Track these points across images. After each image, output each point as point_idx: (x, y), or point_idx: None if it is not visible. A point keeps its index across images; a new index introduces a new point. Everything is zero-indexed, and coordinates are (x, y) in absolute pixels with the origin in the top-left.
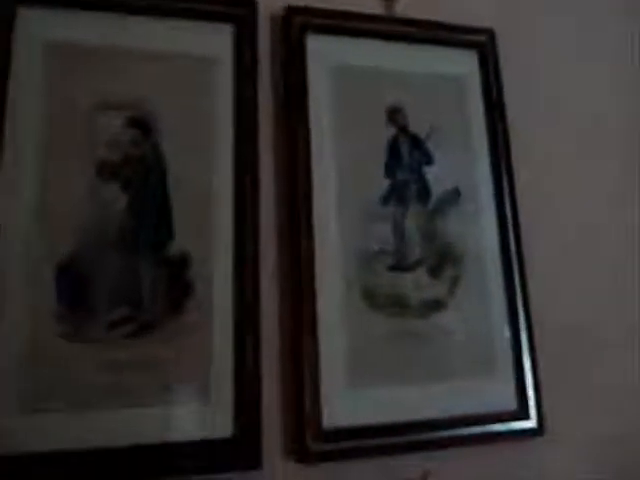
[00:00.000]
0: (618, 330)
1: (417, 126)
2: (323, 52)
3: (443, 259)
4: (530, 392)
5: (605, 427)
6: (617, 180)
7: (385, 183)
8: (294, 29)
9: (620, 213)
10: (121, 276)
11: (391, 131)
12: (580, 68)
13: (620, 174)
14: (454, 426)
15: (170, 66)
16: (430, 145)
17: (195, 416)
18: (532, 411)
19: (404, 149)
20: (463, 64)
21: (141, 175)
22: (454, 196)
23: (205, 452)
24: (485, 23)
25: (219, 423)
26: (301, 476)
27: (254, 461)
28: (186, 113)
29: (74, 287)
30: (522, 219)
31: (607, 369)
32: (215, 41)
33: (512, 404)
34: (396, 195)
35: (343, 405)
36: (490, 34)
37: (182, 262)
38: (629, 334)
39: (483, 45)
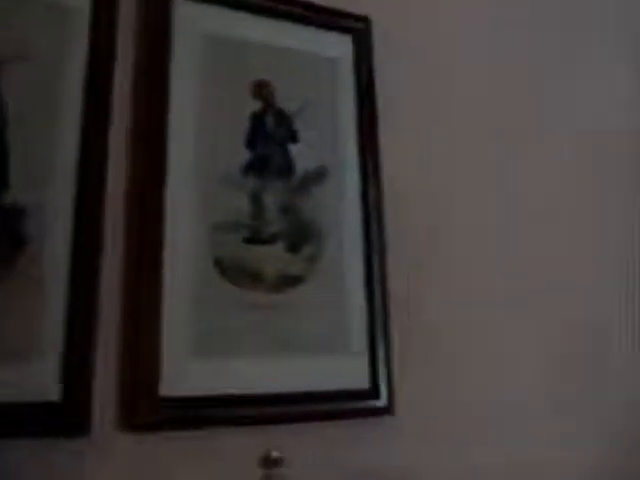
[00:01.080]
0: (470, 309)
1: (285, 102)
2: (191, 19)
3: (303, 235)
4: (382, 371)
5: (456, 409)
6: (485, 163)
7: (246, 155)
8: None
9: (484, 196)
10: None
11: (257, 105)
12: (454, 56)
13: (491, 159)
14: (301, 401)
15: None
16: (297, 122)
17: (22, 378)
18: (383, 390)
19: (269, 124)
20: (337, 47)
21: None
22: (318, 174)
23: (30, 416)
24: (363, 10)
25: (46, 387)
26: (131, 445)
27: (81, 427)
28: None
29: None
30: (387, 201)
31: (461, 352)
32: None
33: (364, 382)
34: (257, 168)
35: (184, 374)
36: (366, 21)
37: (16, 213)
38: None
39: (358, 31)
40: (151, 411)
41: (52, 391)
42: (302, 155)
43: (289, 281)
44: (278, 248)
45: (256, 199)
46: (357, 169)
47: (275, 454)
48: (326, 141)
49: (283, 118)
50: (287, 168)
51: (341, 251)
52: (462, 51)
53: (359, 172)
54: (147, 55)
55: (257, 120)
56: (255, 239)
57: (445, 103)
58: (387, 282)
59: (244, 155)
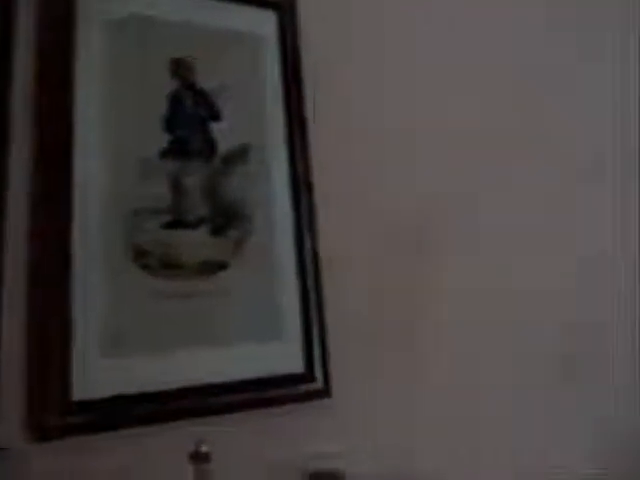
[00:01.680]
0: (412, 289)
1: (205, 81)
2: None
3: (228, 218)
4: (317, 354)
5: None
6: (415, 147)
7: (164, 138)
8: None
9: (412, 177)
10: None
11: (174, 84)
12: (388, 32)
13: (419, 138)
14: (232, 391)
15: None
16: (219, 101)
17: None
18: (318, 373)
19: (188, 103)
20: (261, 24)
21: None
22: (242, 154)
23: None
24: None
25: None
26: (45, 455)
27: None
28: None
29: None
30: (317, 180)
31: (397, 329)
32: None
33: (298, 366)
34: (176, 150)
35: (100, 374)
36: None
37: None
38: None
39: (283, 7)
40: (64, 417)
41: None
42: (224, 134)
43: (213, 267)
44: (201, 233)
45: (176, 183)
46: (285, 148)
47: (204, 448)
48: (251, 119)
49: (203, 97)
50: (208, 148)
51: (270, 233)
52: (396, 26)
53: (287, 151)
54: (50, 39)
55: (175, 100)
56: (176, 224)
57: (375, 80)
58: (320, 263)
59: (162, 138)
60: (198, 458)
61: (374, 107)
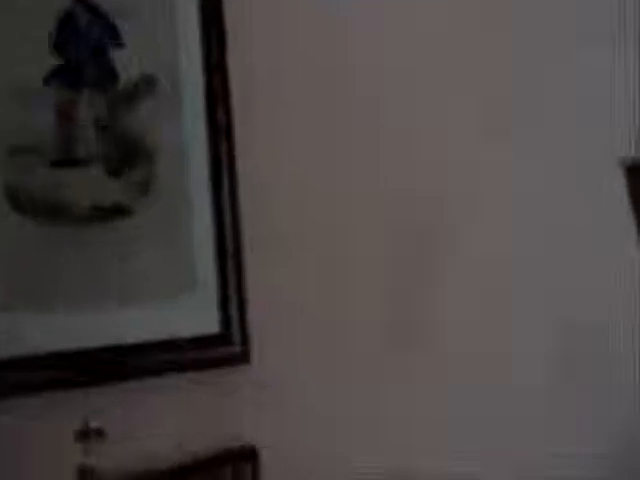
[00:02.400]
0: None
1: None
2: None
3: (129, 156)
4: (235, 313)
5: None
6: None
7: (51, 62)
8: None
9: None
10: None
11: (65, 3)
12: None
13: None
14: (132, 355)
15: None
16: (120, 23)
17: None
18: (236, 335)
19: (82, 23)
20: None
21: None
22: (148, 87)
23: None
24: None
25: None
26: None
27: None
28: None
29: None
30: (238, 123)
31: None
32: None
33: (213, 327)
34: (65, 77)
35: None
36: None
37: None
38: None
39: None
40: None
41: None
42: (127, 62)
43: (111, 211)
44: (95, 171)
45: (64, 114)
46: (201, 84)
47: (95, 424)
48: (161, 47)
49: (101, 17)
50: (107, 77)
51: (182, 176)
52: None
53: (204, 88)
54: None
55: (67, 19)
56: (63, 162)
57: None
58: (239, 210)
59: (48, 62)
60: (86, 435)
61: (311, 43)
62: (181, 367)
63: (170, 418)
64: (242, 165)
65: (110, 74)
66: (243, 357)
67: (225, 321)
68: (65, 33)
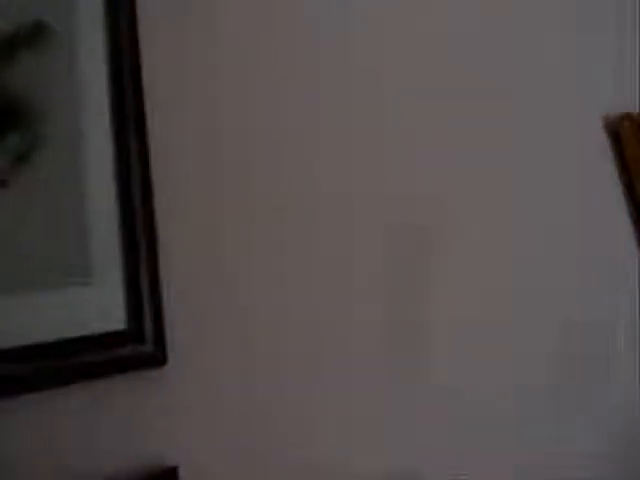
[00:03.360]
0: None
1: None
2: None
3: (6, 120)
4: (147, 304)
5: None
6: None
7: None
8: None
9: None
10: None
11: None
12: None
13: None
14: (15, 359)
15: None
16: None
17: None
18: (149, 332)
19: None
20: None
21: None
22: (35, 35)
23: None
24: None
25: None
26: None
27: None
28: None
29: None
30: (147, 84)
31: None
32: None
33: (120, 323)
34: None
35: None
36: None
37: None
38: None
39: None
40: None
41: None
42: (6, 5)
43: None
44: None
45: None
46: (102, 32)
47: None
48: None
49: None
50: None
51: (77, 141)
52: None
53: (106, 36)
54: None
55: None
56: None
57: None
58: (151, 185)
59: None
60: None
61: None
62: (74, 374)
63: (67, 437)
64: (153, 125)
65: None
66: (157, 358)
67: (134, 315)
68: None
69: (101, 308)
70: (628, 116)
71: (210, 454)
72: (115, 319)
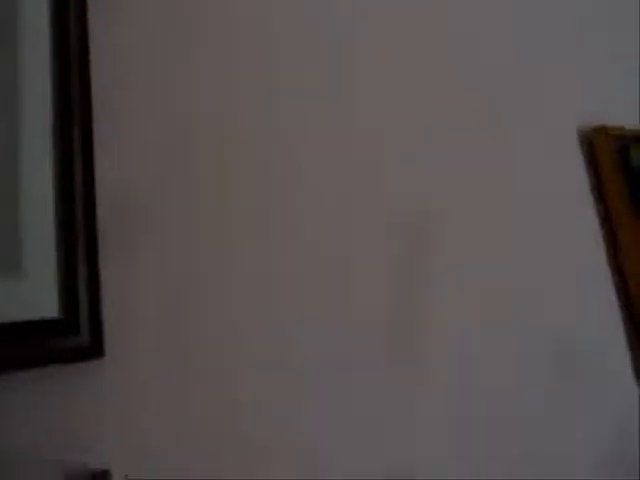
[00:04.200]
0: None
1: None
2: None
3: None
4: (82, 295)
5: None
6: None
7: None
8: None
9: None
10: None
11: None
12: None
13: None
14: None
15: None
16: None
17: None
18: (84, 322)
19: None
20: None
21: None
22: None
23: None
24: None
25: None
26: None
27: None
28: None
29: None
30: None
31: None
32: None
33: (52, 310)
34: None
35: None
36: None
37: None
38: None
39: None
40: None
41: None
42: None
43: None
44: None
45: None
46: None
47: None
48: None
49: None
50: None
51: (12, 119)
52: None
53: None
54: None
55: None
56: None
57: None
58: (93, 158)
59: None
60: None
61: None
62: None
63: None
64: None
65: None
66: (93, 350)
67: (68, 303)
68: None
69: (30, 296)
70: (603, 128)
71: (150, 454)
72: (46, 308)
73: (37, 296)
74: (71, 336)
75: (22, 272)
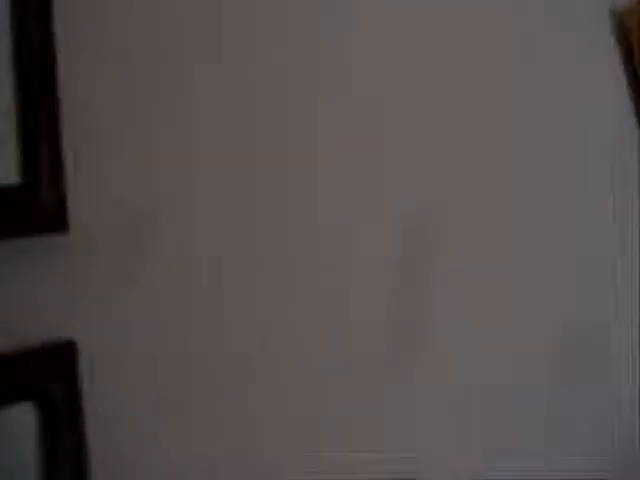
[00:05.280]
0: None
1: None
2: None
3: None
4: (43, 154)
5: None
6: None
7: None
8: None
9: None
10: None
11: None
12: None
13: None
14: None
15: None
16: None
17: None
18: (44, 185)
19: None
20: None
21: None
22: None
23: None
24: None
25: None
26: None
27: None
28: None
29: None
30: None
31: None
32: None
33: (12, 176)
34: None
35: None
36: None
37: None
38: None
39: None
40: None
41: None
42: None
43: None
44: None
45: None
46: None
47: None
48: None
49: None
50: None
51: None
52: None
53: None
54: None
55: None
56: None
57: None
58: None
59: None
60: None
61: None
62: None
63: None
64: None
65: None
66: (57, 219)
67: (29, 165)
68: None
69: None
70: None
71: (114, 328)
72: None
73: None
74: (31, 203)
75: None
